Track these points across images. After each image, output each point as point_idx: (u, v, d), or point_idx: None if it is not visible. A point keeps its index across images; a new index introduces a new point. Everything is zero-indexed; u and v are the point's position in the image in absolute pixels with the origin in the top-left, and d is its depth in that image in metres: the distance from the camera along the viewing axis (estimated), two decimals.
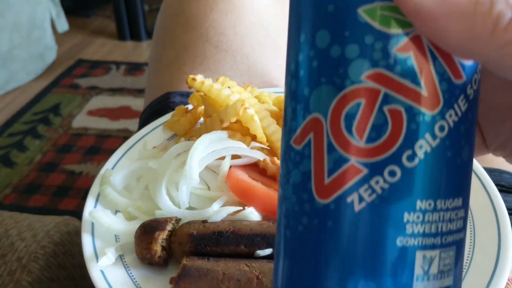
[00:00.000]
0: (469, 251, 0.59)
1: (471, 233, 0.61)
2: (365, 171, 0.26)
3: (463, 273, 0.56)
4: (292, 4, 0.29)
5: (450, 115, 0.27)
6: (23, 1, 2.91)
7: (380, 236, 0.26)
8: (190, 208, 0.66)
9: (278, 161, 0.67)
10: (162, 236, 0.59)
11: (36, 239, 0.89)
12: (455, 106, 0.27)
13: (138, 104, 2.77)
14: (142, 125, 0.89)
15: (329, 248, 0.27)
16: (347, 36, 0.26)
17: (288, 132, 0.29)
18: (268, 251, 0.57)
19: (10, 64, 2.91)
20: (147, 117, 0.90)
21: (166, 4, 1.04)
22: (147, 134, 0.79)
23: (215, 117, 0.71)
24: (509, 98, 0.32)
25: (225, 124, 0.70)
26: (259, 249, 0.57)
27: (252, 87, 0.80)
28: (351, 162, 0.26)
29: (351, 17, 0.26)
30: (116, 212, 0.67)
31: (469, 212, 0.62)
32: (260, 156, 0.68)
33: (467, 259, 0.58)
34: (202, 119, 0.78)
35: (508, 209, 0.64)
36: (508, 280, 0.60)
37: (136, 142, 0.77)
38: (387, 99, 0.26)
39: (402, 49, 0.26)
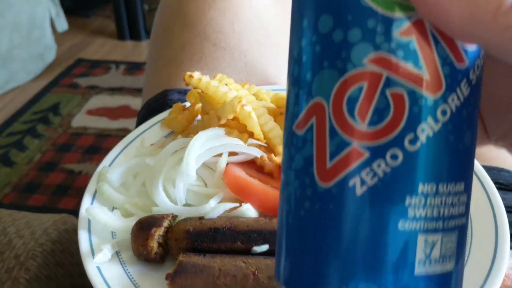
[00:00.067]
0: (467, 248, 0.59)
1: (468, 230, 0.61)
2: (367, 154, 0.26)
3: None
4: None
5: (453, 100, 0.27)
6: (23, 1, 2.91)
7: (382, 219, 0.26)
8: (187, 205, 0.66)
9: (275, 158, 0.67)
10: (158, 232, 0.59)
11: (34, 237, 0.89)
12: (458, 90, 0.27)
13: (138, 103, 2.76)
14: (139, 123, 0.89)
15: (331, 231, 0.27)
16: (349, 20, 0.26)
17: (290, 118, 0.30)
18: (264, 247, 0.57)
19: (10, 64, 2.91)
20: (144, 114, 0.90)
21: (164, 4, 1.04)
22: (144, 131, 0.79)
23: (213, 114, 0.71)
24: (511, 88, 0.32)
25: (223, 121, 0.69)
26: (256, 245, 0.57)
27: (250, 84, 0.80)
28: (353, 146, 0.26)
29: (353, 1, 0.26)
30: (113, 209, 0.67)
31: None
32: (257, 153, 0.68)
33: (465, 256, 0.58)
34: (199, 116, 0.78)
35: (506, 206, 0.64)
36: (505, 276, 0.60)
37: (133, 140, 0.77)
38: (389, 83, 0.26)
39: (405, 33, 0.26)
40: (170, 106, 0.81)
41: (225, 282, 0.53)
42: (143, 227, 0.59)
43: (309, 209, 0.28)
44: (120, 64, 3.22)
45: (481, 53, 0.28)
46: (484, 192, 0.64)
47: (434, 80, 0.26)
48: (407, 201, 0.26)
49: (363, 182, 0.26)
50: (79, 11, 3.77)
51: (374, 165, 0.26)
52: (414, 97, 0.26)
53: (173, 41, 0.96)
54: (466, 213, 0.29)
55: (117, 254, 0.61)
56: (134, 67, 3.18)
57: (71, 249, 0.91)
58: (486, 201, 0.63)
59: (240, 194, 0.64)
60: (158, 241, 0.59)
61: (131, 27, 3.46)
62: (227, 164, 0.67)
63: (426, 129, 0.26)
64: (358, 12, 0.26)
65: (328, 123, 0.27)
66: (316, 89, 0.28)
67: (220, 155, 0.67)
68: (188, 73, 0.72)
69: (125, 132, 2.50)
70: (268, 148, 0.70)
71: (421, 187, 0.26)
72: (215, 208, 0.62)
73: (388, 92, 0.26)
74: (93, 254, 0.60)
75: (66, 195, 2.18)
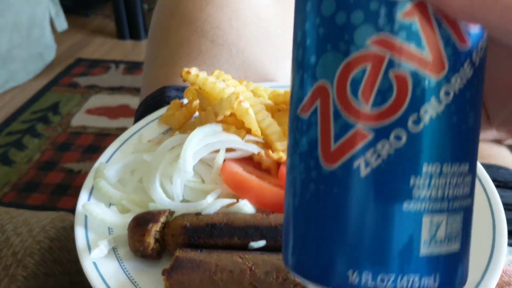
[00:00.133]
0: None
1: None
2: (371, 135, 0.26)
3: None
4: None
5: (456, 80, 0.27)
6: (23, 1, 2.91)
7: (386, 200, 0.27)
8: (184, 201, 0.65)
9: (272, 155, 0.67)
10: (155, 228, 0.59)
11: (31, 234, 0.89)
12: (461, 71, 0.27)
13: (137, 102, 2.74)
14: (137, 120, 0.88)
15: (336, 214, 0.27)
16: (352, 2, 0.26)
17: (295, 102, 0.30)
18: (261, 243, 0.56)
19: (10, 64, 2.91)
20: (142, 112, 0.90)
21: (161, 4, 1.04)
22: (142, 128, 0.79)
23: (210, 110, 0.70)
24: None
25: (220, 117, 0.69)
26: (253, 241, 0.57)
27: (248, 81, 0.79)
28: (357, 127, 0.27)
29: None
30: (110, 205, 0.67)
31: None
32: (254, 149, 0.68)
33: None
34: (197, 113, 0.78)
35: (504, 204, 0.64)
36: (503, 272, 0.60)
37: (130, 136, 0.77)
38: (392, 64, 0.26)
39: (407, 14, 0.26)
40: (168, 103, 0.81)
41: (221, 278, 0.53)
42: (140, 223, 0.59)
43: (314, 191, 0.28)
44: (119, 63, 3.21)
45: (485, 35, 0.28)
46: (482, 190, 0.64)
47: (437, 61, 0.26)
48: (412, 181, 0.27)
49: (367, 163, 0.27)
50: (78, 10, 3.77)
51: (378, 146, 0.26)
52: (417, 78, 0.26)
53: (170, 39, 0.96)
54: (471, 195, 0.29)
55: (113, 250, 0.61)
56: (133, 67, 3.17)
57: (69, 247, 0.91)
58: (485, 198, 0.63)
59: (237, 190, 0.64)
60: (155, 236, 0.59)
61: (131, 27, 3.46)
62: (224, 160, 0.67)
63: (430, 110, 0.26)
64: None
65: (332, 106, 0.27)
66: (320, 72, 0.28)
67: (217, 151, 0.67)
68: (186, 69, 0.72)
69: (124, 131, 2.50)
70: (266, 145, 0.70)
71: (425, 168, 0.27)
72: (212, 204, 0.62)
73: (391, 73, 0.26)
74: (89, 250, 0.60)
75: (66, 195, 2.18)
